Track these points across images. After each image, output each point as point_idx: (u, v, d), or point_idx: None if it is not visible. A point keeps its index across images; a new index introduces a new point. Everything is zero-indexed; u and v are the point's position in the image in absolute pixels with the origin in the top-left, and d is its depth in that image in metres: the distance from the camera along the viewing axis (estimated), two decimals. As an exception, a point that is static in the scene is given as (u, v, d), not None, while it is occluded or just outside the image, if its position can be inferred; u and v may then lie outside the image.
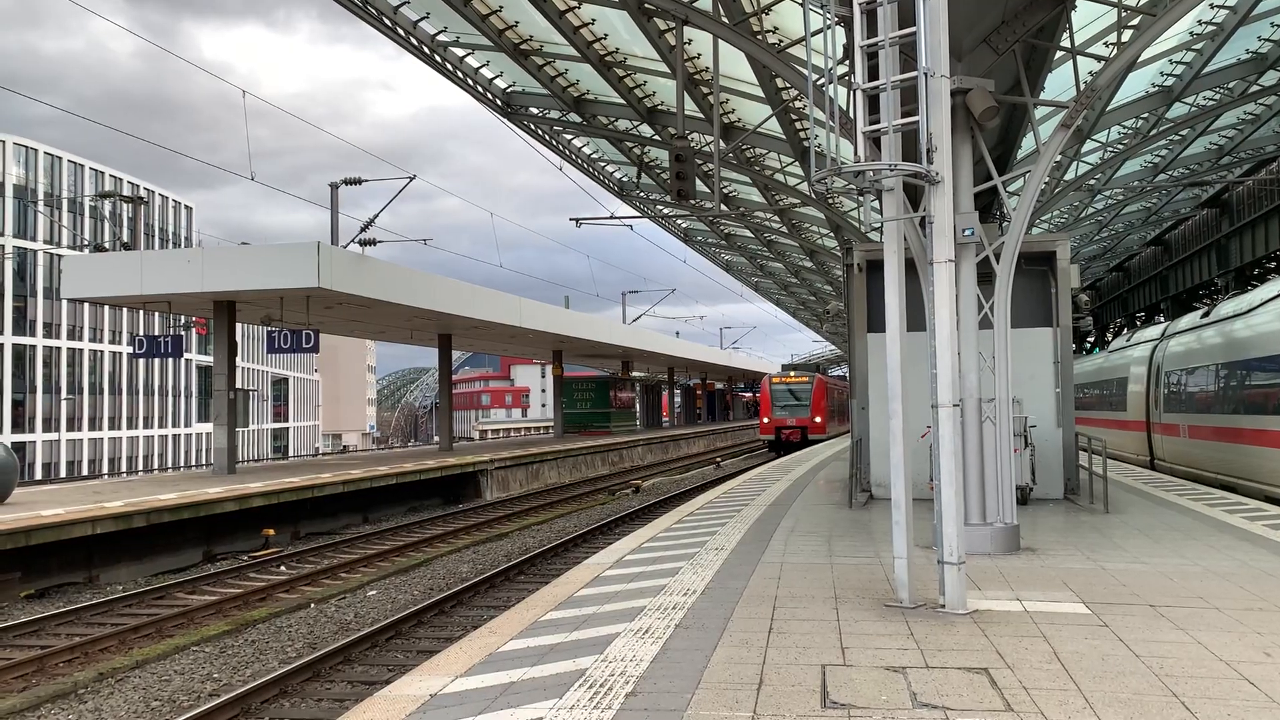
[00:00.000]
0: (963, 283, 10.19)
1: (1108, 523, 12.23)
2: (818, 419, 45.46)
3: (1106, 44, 13.74)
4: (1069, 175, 21.77)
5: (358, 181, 28.23)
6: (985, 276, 10.48)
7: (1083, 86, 10.83)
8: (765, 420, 47.09)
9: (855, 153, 7.63)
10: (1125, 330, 40.20)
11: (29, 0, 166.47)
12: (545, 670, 6.02)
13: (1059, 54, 12.38)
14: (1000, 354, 10.57)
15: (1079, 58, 12.34)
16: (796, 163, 21.16)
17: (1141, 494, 15.77)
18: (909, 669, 5.80)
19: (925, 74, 7.19)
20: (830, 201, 22.61)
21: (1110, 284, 50.05)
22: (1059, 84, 14.40)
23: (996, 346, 10.56)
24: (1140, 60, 15.55)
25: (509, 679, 5.89)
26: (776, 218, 29.47)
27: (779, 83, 16.54)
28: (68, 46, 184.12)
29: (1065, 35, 11.84)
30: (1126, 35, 11.55)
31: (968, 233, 9.96)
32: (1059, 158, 20.14)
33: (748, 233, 33.92)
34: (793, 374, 48.38)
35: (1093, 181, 22.86)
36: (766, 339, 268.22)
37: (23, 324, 68.69)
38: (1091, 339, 50.94)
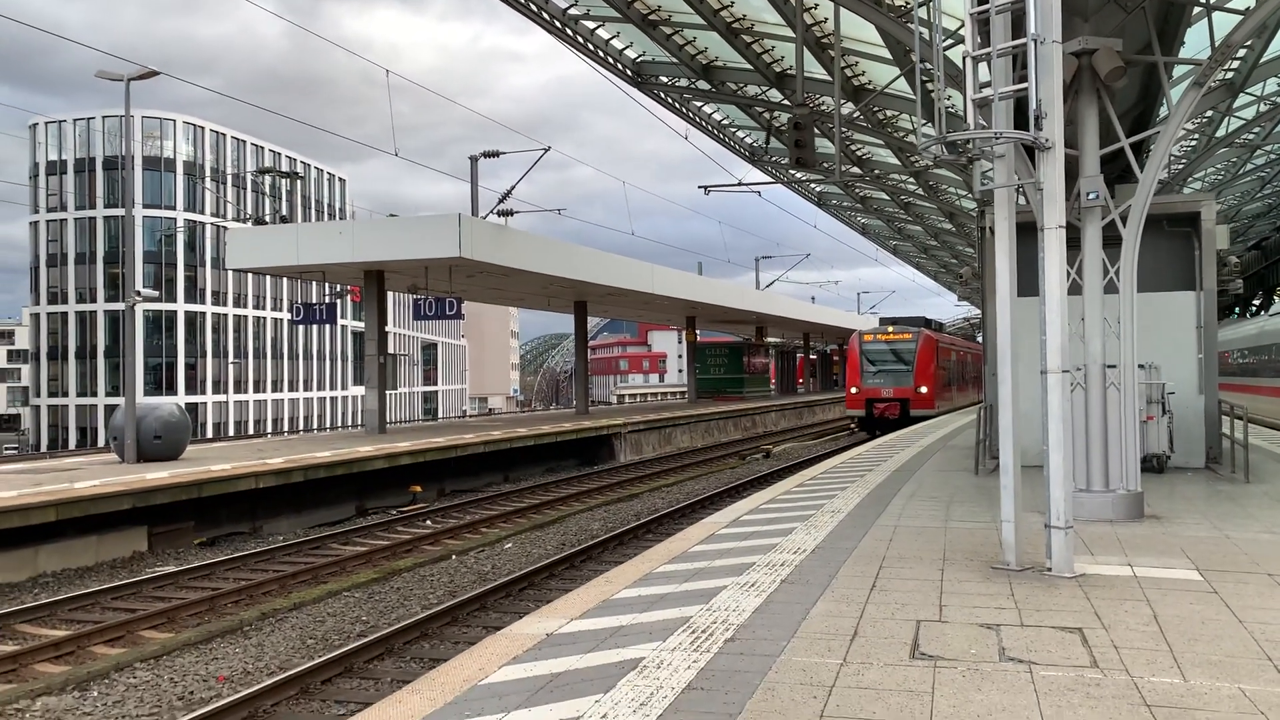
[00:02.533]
0: (1087, 246, 10.08)
1: (1246, 492, 11.87)
2: (923, 389, 34.23)
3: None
4: (1220, 132, 20.70)
5: (495, 154, 29.15)
6: (1117, 239, 10.29)
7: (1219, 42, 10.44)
8: (853, 390, 35.28)
9: (965, 119, 7.68)
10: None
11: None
12: (653, 616, 6.44)
13: (1196, 9, 11.90)
14: (1126, 319, 10.38)
15: (1221, 12, 11.83)
16: (928, 124, 20.79)
17: (1291, 464, 15.12)
18: (1002, 626, 5.98)
19: (1035, 40, 7.18)
20: (965, 164, 22.13)
21: (1277, 244, 47.01)
22: (1202, 39, 13.79)
23: (1122, 311, 10.38)
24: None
25: (619, 623, 6.34)
26: (912, 179, 28.96)
27: (905, 44, 16.33)
28: (221, 31, 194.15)
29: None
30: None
31: (1092, 196, 9.84)
32: (1209, 113, 19.21)
33: (883, 195, 33.39)
34: (891, 329, 36.26)
35: (1249, 136, 21.67)
36: (906, 303, 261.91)
37: (194, 292, 73.54)
38: (1258, 302, 48.03)
